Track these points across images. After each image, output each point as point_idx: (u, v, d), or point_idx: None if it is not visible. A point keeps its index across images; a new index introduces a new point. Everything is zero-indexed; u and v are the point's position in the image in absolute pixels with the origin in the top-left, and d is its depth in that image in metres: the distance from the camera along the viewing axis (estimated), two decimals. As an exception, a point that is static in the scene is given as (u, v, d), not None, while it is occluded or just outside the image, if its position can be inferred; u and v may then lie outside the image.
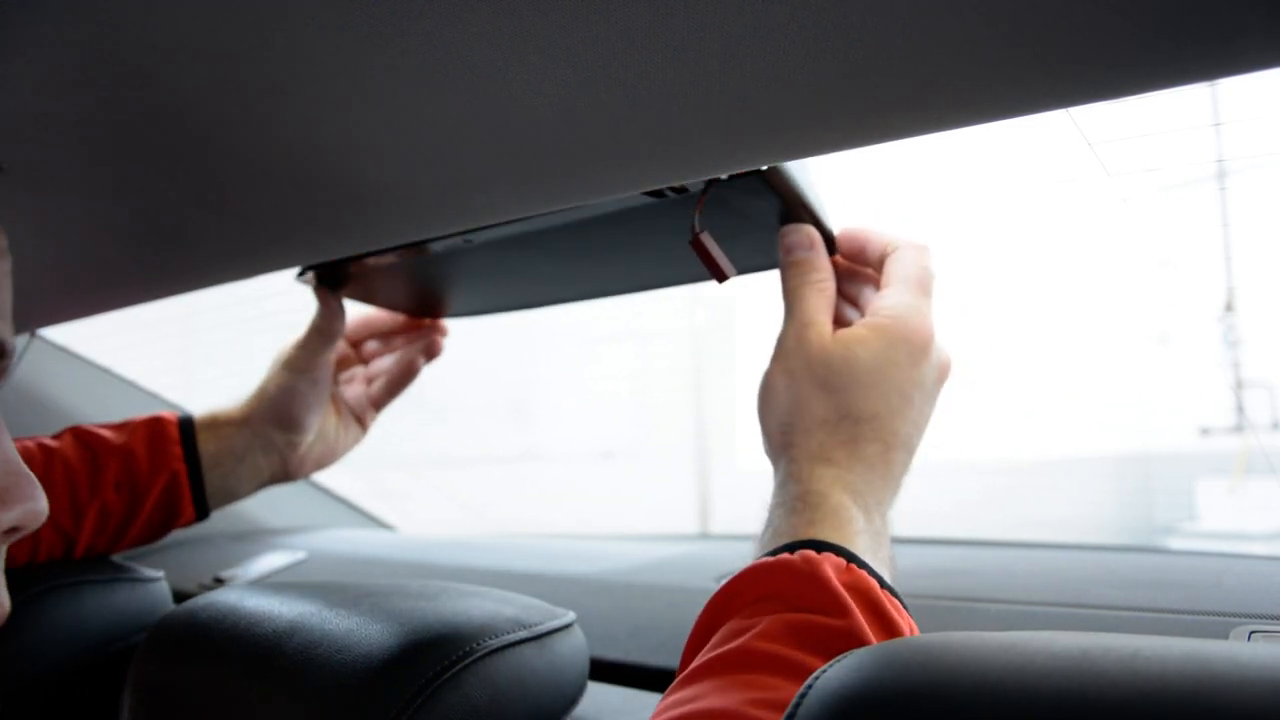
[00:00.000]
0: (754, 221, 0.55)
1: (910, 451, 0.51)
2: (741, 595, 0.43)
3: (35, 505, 0.39)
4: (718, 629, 0.42)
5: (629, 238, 0.59)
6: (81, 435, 0.70)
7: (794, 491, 0.48)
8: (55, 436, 0.70)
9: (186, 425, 0.72)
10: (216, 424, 0.73)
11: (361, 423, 0.80)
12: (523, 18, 0.33)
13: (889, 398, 0.49)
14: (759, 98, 0.36)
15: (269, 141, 0.45)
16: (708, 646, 0.41)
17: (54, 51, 0.38)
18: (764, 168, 0.49)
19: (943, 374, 0.53)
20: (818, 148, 0.41)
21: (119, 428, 0.71)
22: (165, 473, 0.70)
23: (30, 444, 0.68)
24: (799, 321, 0.52)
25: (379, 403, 0.80)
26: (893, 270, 0.53)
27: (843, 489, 0.47)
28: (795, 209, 0.53)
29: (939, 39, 0.32)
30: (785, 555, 0.43)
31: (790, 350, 0.51)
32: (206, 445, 0.72)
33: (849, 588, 0.41)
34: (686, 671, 0.40)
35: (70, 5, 0.35)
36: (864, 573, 0.42)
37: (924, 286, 0.53)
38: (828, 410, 0.49)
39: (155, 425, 0.71)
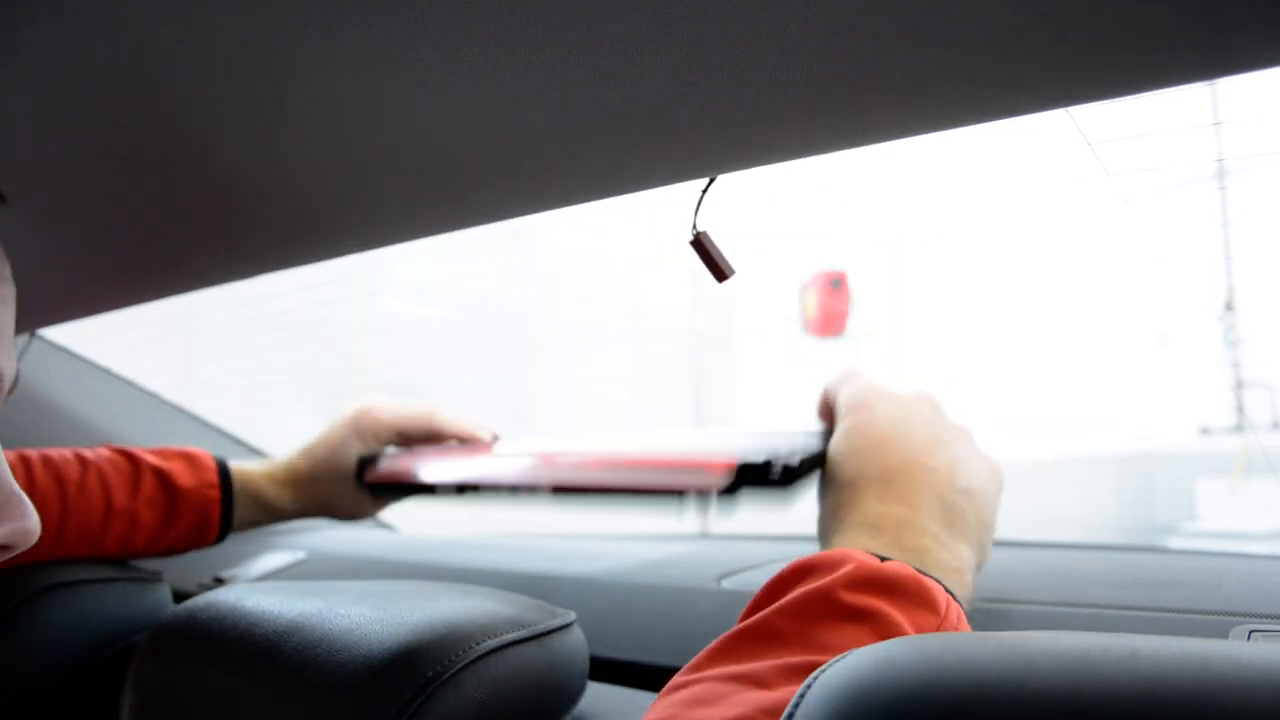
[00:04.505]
0: None
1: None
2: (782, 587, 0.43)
3: (26, 524, 0.38)
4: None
5: None
6: (120, 449, 0.72)
7: None
8: (91, 450, 0.72)
9: (227, 499, 0.74)
10: (260, 500, 0.76)
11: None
12: (522, 17, 0.33)
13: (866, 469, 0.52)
14: (759, 98, 0.36)
15: (267, 146, 0.45)
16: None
17: (49, 62, 0.38)
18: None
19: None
20: (818, 148, 0.41)
21: (160, 453, 0.74)
22: (197, 513, 0.72)
23: (69, 454, 0.70)
24: None
25: None
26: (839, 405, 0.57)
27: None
28: None
29: (939, 39, 0.32)
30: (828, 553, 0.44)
31: None
32: (243, 514, 0.75)
33: (879, 570, 0.42)
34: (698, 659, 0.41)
35: (66, 28, 0.35)
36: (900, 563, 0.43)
37: (858, 399, 0.55)
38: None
39: (201, 497, 0.73)
